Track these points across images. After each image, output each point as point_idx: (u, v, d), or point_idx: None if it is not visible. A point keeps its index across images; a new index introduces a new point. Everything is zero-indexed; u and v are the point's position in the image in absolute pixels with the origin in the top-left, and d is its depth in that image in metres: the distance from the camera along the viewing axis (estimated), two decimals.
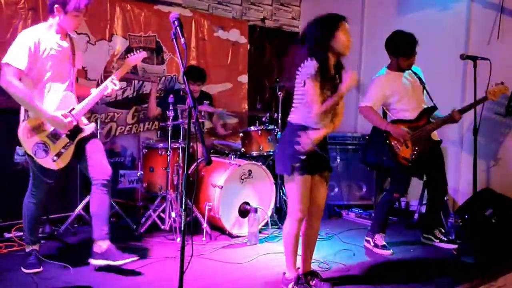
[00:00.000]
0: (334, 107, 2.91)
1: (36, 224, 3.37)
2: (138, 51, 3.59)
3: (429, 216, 4.25)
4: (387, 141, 3.88)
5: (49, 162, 3.09)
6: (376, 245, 3.96)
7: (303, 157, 2.87)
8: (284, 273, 3.14)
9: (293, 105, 2.99)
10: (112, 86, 3.34)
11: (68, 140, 3.17)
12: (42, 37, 3.06)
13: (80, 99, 3.30)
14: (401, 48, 3.87)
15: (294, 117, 2.97)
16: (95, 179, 3.26)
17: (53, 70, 3.11)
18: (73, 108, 3.19)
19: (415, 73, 4.02)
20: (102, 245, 3.22)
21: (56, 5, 3.03)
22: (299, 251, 3.15)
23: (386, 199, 4.05)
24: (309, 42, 2.89)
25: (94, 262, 3.23)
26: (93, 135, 3.34)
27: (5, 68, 2.97)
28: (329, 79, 2.89)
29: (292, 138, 2.90)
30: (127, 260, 3.19)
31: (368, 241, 4.04)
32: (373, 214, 4.88)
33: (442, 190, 4.15)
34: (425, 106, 3.98)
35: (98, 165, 3.27)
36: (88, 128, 3.30)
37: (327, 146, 3.08)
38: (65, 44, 3.19)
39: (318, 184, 3.05)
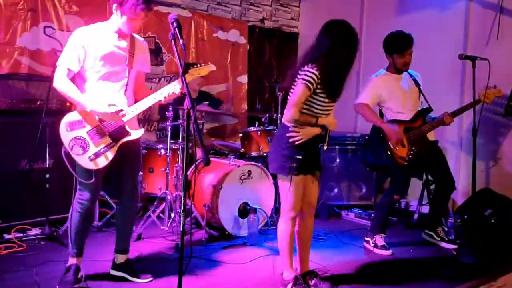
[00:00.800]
0: (304, 123, 2.93)
1: (82, 234, 3.10)
2: (207, 63, 3.28)
3: (434, 212, 4.25)
4: (385, 140, 3.89)
5: (85, 160, 2.91)
6: (375, 245, 3.96)
7: (299, 157, 2.91)
8: (282, 274, 3.14)
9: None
10: (172, 90, 3.02)
11: (111, 141, 2.98)
12: (95, 36, 2.96)
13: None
14: (395, 45, 3.87)
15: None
16: (122, 195, 3.22)
17: (106, 70, 2.99)
18: (122, 110, 3.00)
19: (411, 76, 4.03)
20: (121, 258, 3.27)
21: (114, 4, 2.93)
22: (295, 252, 3.17)
23: (385, 200, 4.05)
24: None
25: (113, 272, 3.27)
26: (138, 145, 3.23)
27: (57, 69, 2.94)
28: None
29: (287, 139, 2.94)
30: (143, 280, 3.20)
31: (367, 242, 4.04)
32: (372, 215, 4.89)
33: (451, 185, 4.11)
34: (420, 108, 3.99)
35: (128, 181, 3.19)
36: (136, 133, 3.08)
37: (319, 146, 3.09)
38: (123, 44, 3.05)
39: (310, 183, 3.10)
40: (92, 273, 3.28)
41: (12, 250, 3.68)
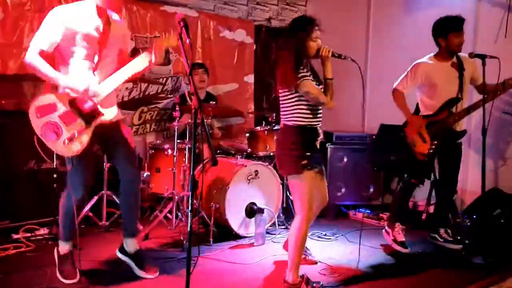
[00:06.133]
0: (333, 91, 3.06)
1: (71, 219, 3.08)
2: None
3: (436, 215, 4.23)
4: (405, 138, 3.92)
5: (59, 145, 2.82)
6: (395, 240, 3.95)
7: (309, 154, 3.01)
8: (285, 281, 3.09)
9: (288, 110, 3.12)
10: (147, 59, 3.00)
11: (84, 124, 2.89)
12: (71, 15, 2.93)
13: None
14: (451, 23, 3.85)
15: (292, 121, 3.08)
16: (121, 177, 3.17)
17: (80, 49, 2.94)
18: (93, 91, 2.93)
19: (459, 61, 3.94)
20: (131, 245, 3.26)
21: None
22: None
23: (401, 186, 4.11)
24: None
25: (120, 255, 3.29)
26: (117, 124, 3.12)
27: (29, 48, 2.88)
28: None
29: (294, 139, 3.04)
30: (148, 276, 3.22)
31: (388, 233, 4.02)
32: (380, 214, 4.89)
33: (452, 189, 4.10)
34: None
35: (123, 161, 3.13)
36: (109, 112, 3.01)
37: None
38: (99, 23, 3.00)
39: (319, 181, 3.21)
40: (97, 274, 3.28)
41: (20, 250, 3.70)
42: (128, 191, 3.22)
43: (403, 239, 3.95)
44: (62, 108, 2.86)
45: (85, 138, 2.89)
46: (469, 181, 4.88)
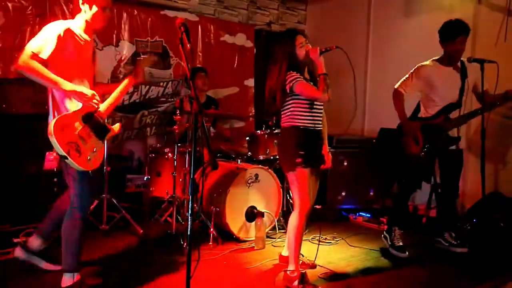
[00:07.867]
0: (326, 84, 3.12)
1: (82, 244, 2.99)
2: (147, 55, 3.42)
3: (439, 219, 4.23)
4: (400, 138, 3.98)
5: (84, 162, 2.85)
6: (392, 245, 3.95)
7: (302, 152, 3.16)
8: (286, 271, 3.25)
9: (285, 113, 3.30)
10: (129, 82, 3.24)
11: (98, 140, 2.97)
12: (69, 29, 2.91)
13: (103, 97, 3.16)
14: (446, 32, 3.85)
15: (288, 122, 3.27)
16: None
17: (78, 64, 2.96)
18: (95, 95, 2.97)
19: (462, 67, 3.96)
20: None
21: None
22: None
23: (399, 190, 4.19)
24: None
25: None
26: None
27: (24, 52, 2.75)
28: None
29: (289, 139, 3.23)
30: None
31: (386, 237, 4.04)
32: (381, 218, 4.88)
33: (453, 193, 4.11)
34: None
35: None
36: (116, 128, 3.17)
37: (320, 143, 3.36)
38: (89, 39, 3.05)
39: (313, 179, 3.33)
40: (97, 278, 3.28)
41: None
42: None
43: (401, 244, 3.95)
44: (79, 126, 2.89)
45: (102, 153, 3.06)
46: (469, 185, 4.88)
